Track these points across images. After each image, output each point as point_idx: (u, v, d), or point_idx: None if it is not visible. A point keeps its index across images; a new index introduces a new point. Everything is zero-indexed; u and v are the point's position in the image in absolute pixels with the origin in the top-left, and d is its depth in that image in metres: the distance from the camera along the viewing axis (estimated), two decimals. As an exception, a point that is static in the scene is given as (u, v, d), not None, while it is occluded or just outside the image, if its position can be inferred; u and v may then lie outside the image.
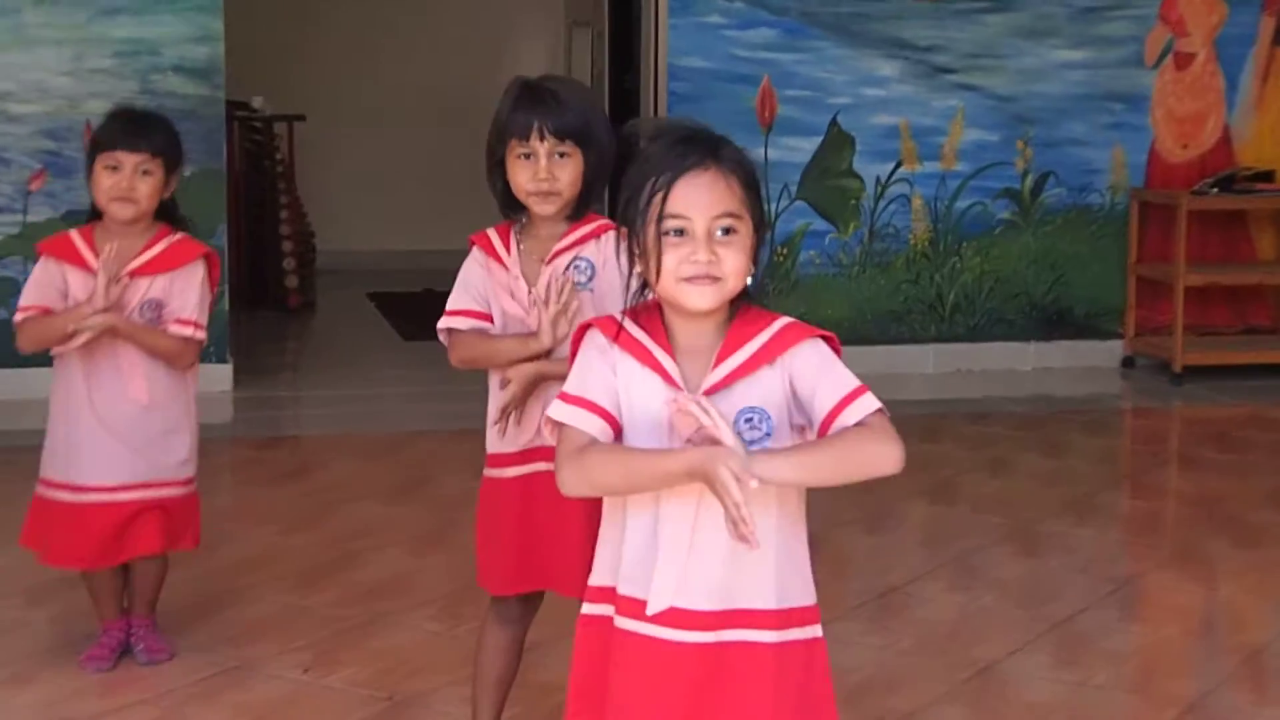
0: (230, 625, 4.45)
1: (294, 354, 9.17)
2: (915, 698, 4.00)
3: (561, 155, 3.15)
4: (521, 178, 3.16)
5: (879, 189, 8.08)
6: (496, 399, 3.25)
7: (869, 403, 2.39)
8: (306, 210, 10.43)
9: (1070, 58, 8.19)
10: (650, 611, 2.40)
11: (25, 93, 7.19)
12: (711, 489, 2.28)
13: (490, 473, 3.28)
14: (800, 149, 7.92)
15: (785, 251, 7.95)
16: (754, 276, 2.42)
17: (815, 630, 2.49)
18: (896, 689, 4.05)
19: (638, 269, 2.43)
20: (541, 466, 3.18)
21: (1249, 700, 4.04)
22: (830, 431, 2.38)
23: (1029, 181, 8.22)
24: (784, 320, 2.45)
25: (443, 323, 3.25)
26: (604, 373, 2.44)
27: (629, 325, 2.46)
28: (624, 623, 2.44)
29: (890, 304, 8.10)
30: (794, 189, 7.93)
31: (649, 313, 2.47)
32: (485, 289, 3.24)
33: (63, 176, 7.19)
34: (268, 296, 9.93)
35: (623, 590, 2.45)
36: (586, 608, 2.50)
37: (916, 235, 8.14)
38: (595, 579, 2.51)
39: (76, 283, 4.01)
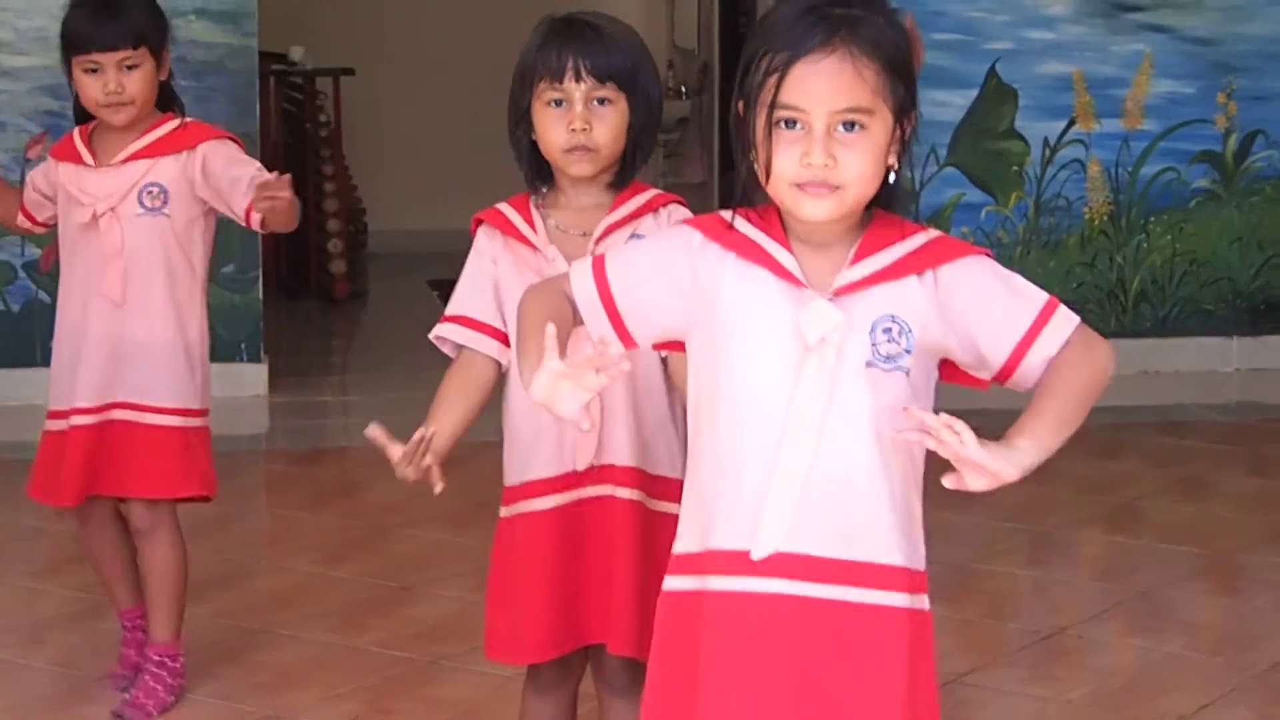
0: (264, 670, 4.53)
1: (340, 352, 9.29)
2: (1085, 759, 4.03)
3: (601, 101, 3.08)
4: (553, 132, 3.08)
5: (1047, 153, 8.07)
6: (524, 412, 3.18)
7: (1067, 319, 2.44)
8: (356, 183, 10.54)
9: (1283, -10, 8.15)
10: (757, 555, 2.40)
11: (23, 43, 7.34)
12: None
13: (516, 509, 3.22)
14: (951, 105, 7.92)
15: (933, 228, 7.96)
16: (897, 174, 2.41)
17: (926, 601, 2.50)
18: (1062, 749, 4.09)
19: (752, 157, 2.41)
20: (591, 492, 3.15)
21: None
22: (1026, 362, 2.42)
23: (1232, 143, 8.18)
24: (934, 232, 2.46)
25: (439, 330, 3.19)
26: (670, 272, 2.47)
27: (740, 223, 2.46)
28: (718, 582, 2.44)
29: (1061, 291, 8.01)
30: (943, 153, 7.94)
31: (766, 209, 2.46)
32: (498, 284, 3.16)
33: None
34: (310, 285, 10.05)
35: (715, 544, 2.44)
36: (669, 582, 2.50)
37: (1093, 209, 8.12)
38: (680, 546, 2.51)
39: (67, 175, 4.19)
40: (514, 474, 3.23)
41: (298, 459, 6.78)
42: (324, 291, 10.02)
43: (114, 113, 4.10)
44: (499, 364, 3.17)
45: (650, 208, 3.16)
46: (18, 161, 7.38)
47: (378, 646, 4.69)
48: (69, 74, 4.14)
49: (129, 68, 4.08)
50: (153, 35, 4.12)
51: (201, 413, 4.22)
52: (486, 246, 3.20)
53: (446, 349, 3.21)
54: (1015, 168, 8.04)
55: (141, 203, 4.14)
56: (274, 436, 7.13)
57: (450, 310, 3.20)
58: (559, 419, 2.42)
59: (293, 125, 10.31)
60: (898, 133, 2.41)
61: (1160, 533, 5.77)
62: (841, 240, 2.43)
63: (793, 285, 2.41)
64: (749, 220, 2.45)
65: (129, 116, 4.11)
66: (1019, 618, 4.97)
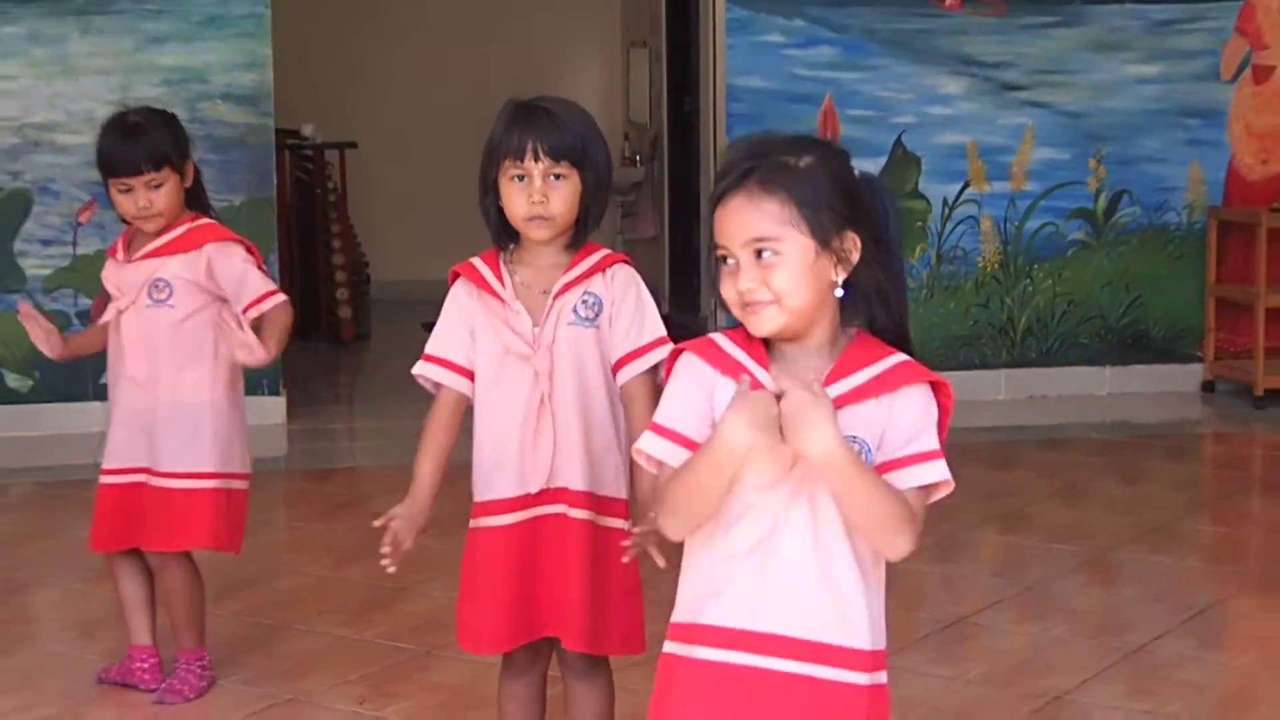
0: (283, 658, 4.53)
1: (348, 385, 9.27)
2: (983, 729, 4.03)
3: (557, 177, 3.09)
4: (515, 202, 3.10)
5: (946, 210, 8.11)
6: (488, 440, 3.20)
7: (928, 474, 2.37)
8: (359, 239, 10.54)
9: (1143, 72, 8.20)
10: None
11: (73, 123, 7.33)
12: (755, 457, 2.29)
13: (480, 523, 3.22)
14: (864, 170, 7.92)
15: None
16: (846, 289, 2.37)
17: (884, 676, 2.46)
18: (964, 720, 4.08)
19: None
20: (546, 510, 3.16)
21: (1330, 730, 4.05)
22: (886, 477, 2.35)
23: (1102, 201, 8.23)
24: (901, 357, 2.40)
25: (418, 368, 3.20)
26: (698, 401, 2.40)
27: (724, 343, 2.42)
28: (704, 653, 2.40)
29: (959, 328, 8.12)
30: (858, 211, 7.94)
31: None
32: (471, 331, 3.18)
33: (112, 208, 7.29)
34: (321, 327, 10.05)
35: (708, 620, 2.40)
36: (670, 646, 2.45)
37: (986, 257, 8.16)
38: (679, 615, 2.45)
39: (109, 270, 4.22)
40: (479, 492, 3.24)
41: (312, 477, 6.77)
42: (333, 333, 10.01)
43: (146, 223, 4.12)
44: (469, 398, 3.22)
45: (599, 268, 3.17)
46: (71, 225, 7.37)
47: (380, 638, 4.69)
48: (107, 191, 4.15)
49: (155, 186, 4.08)
50: (173, 154, 4.11)
51: (214, 475, 4.17)
52: (463, 295, 3.22)
53: (427, 385, 3.24)
54: (919, 224, 8.08)
55: (150, 296, 4.13)
56: (292, 458, 7.12)
57: (430, 350, 3.22)
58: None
59: (304, 191, 10.30)
60: (834, 252, 2.36)
61: (1046, 533, 5.79)
62: (815, 362, 2.39)
63: None
64: (734, 341, 2.42)
65: (159, 226, 4.13)
66: (926, 608, 4.98)
